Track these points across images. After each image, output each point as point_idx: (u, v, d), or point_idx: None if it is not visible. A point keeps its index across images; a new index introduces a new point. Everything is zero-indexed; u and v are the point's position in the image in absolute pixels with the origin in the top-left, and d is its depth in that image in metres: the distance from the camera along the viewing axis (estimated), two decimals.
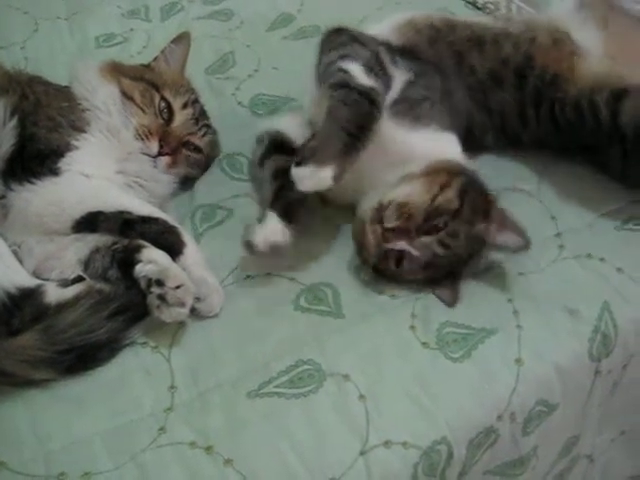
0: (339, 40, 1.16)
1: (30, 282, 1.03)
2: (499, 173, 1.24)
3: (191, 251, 1.06)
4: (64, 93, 1.20)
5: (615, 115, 1.15)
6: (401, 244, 1.04)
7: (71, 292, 1.03)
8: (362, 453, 0.93)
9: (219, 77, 1.50)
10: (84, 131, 1.15)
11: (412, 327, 1.06)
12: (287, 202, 1.11)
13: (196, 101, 1.27)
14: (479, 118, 1.24)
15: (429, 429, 0.96)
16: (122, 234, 1.07)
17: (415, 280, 1.09)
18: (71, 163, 1.11)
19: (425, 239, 1.05)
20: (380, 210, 1.06)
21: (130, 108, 1.18)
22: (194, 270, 1.04)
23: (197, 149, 1.25)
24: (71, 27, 1.66)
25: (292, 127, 1.23)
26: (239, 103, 1.43)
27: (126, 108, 1.18)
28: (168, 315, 1.01)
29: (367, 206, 1.09)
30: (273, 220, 1.09)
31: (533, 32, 1.27)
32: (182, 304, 1.00)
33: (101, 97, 1.18)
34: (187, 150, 1.24)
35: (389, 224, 1.05)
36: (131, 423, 0.95)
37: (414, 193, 1.06)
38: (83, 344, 0.98)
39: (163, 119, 1.21)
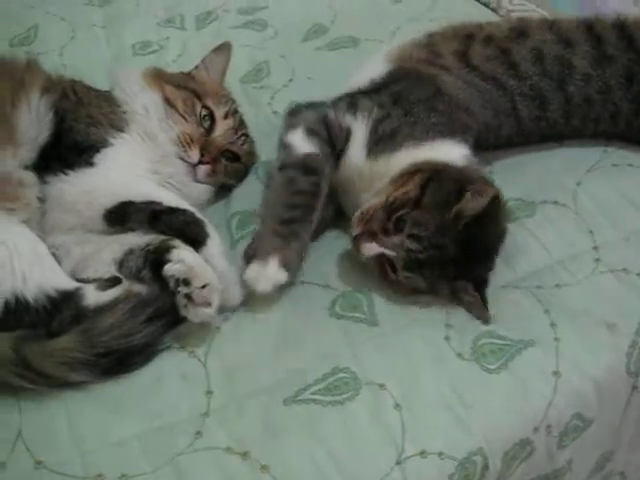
0: (291, 115, 1.25)
1: (69, 285, 1.04)
2: (535, 185, 1.25)
3: (214, 243, 1.07)
4: (105, 96, 1.21)
5: None
6: (371, 246, 1.05)
7: (109, 295, 1.04)
8: (398, 463, 0.93)
9: (254, 86, 1.51)
10: (122, 131, 1.16)
11: (447, 338, 1.05)
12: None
13: (236, 111, 1.28)
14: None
15: (465, 440, 0.96)
16: (151, 225, 1.08)
17: (424, 288, 1.08)
18: (106, 158, 1.12)
19: (395, 238, 1.04)
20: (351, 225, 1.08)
21: (172, 116, 1.20)
22: (216, 262, 1.05)
23: (236, 158, 1.26)
24: (108, 35, 1.68)
25: None
26: (274, 112, 1.44)
27: (168, 115, 1.20)
28: (194, 315, 1.01)
29: None
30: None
31: None
32: (208, 304, 1.01)
33: (142, 102, 1.20)
34: (226, 159, 1.24)
35: (355, 232, 1.06)
36: (168, 426, 0.95)
37: (375, 199, 1.08)
38: (121, 347, 0.99)
39: (204, 128, 1.22)
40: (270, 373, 1.01)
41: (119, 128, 1.16)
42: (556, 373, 1.02)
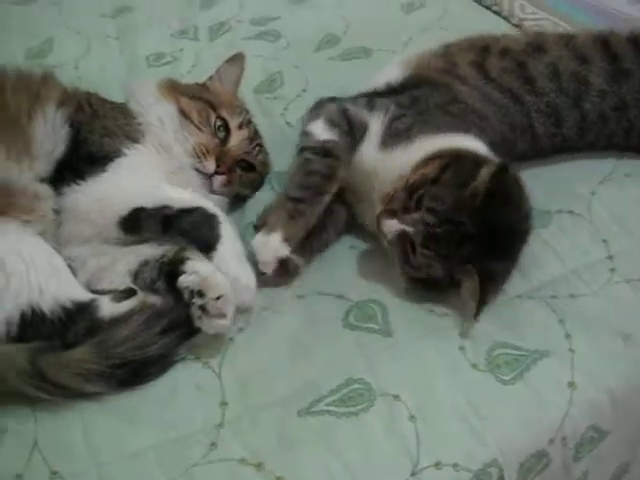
0: (313, 109, 1.28)
1: (84, 296, 1.05)
2: (549, 195, 1.24)
3: (225, 247, 1.07)
4: (120, 108, 1.22)
5: None
6: (392, 223, 1.07)
7: (124, 307, 1.04)
8: (413, 474, 0.92)
9: (268, 97, 1.52)
10: (137, 142, 1.17)
11: (461, 348, 1.05)
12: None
13: (250, 121, 1.29)
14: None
15: (480, 451, 0.95)
16: (164, 232, 1.08)
17: (441, 274, 1.07)
18: (119, 167, 1.13)
19: (415, 215, 1.06)
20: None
21: (188, 127, 1.20)
22: (227, 266, 1.05)
23: (251, 168, 1.27)
24: (121, 46, 1.69)
25: None
26: (287, 123, 1.45)
27: (183, 126, 1.20)
28: (209, 326, 1.02)
29: None
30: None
31: None
32: (222, 315, 1.01)
33: (157, 114, 1.21)
34: (241, 169, 1.25)
35: (377, 211, 1.10)
36: (183, 438, 0.95)
37: (398, 183, 1.11)
38: (136, 359, 0.99)
39: (219, 138, 1.23)
40: (284, 384, 1.01)
41: (134, 139, 1.17)
42: (571, 384, 1.01)
